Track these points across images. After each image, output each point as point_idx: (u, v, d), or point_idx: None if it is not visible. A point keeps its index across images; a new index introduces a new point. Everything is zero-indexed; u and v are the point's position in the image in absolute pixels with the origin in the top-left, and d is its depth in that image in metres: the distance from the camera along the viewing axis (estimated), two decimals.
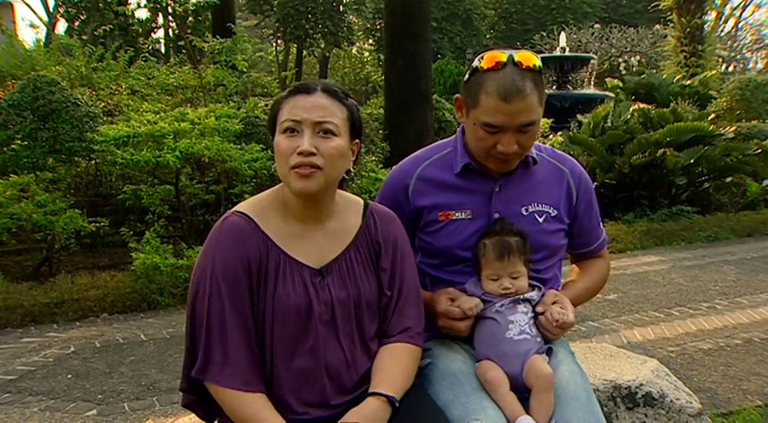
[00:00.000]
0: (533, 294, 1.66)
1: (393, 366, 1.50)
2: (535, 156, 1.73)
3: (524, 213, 1.73)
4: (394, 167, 1.87)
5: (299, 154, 1.40)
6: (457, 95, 1.71)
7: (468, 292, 1.68)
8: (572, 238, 1.89)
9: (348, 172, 1.52)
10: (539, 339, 1.62)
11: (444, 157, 1.78)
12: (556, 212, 1.76)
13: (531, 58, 1.56)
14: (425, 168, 1.77)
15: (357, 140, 1.53)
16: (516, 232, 1.67)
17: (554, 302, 1.64)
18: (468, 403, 1.49)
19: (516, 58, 1.55)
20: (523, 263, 1.66)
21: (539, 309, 1.64)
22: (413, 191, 1.76)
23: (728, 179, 8.58)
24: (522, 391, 1.54)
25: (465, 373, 1.59)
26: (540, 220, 1.74)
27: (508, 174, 1.72)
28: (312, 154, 1.40)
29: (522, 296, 1.64)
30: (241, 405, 1.38)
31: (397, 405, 1.43)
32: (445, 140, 1.86)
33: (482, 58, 1.59)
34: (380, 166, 6.94)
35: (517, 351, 1.58)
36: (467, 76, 1.63)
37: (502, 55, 1.56)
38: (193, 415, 1.58)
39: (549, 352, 1.63)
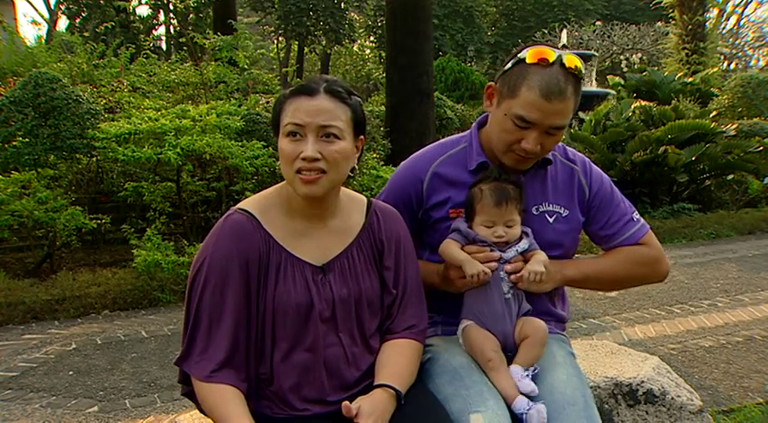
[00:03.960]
0: (524, 243, 1.64)
1: (399, 361, 1.50)
2: (549, 156, 1.71)
3: (534, 213, 1.71)
4: (405, 163, 1.82)
5: (303, 159, 1.39)
6: (490, 83, 1.67)
7: (461, 231, 1.64)
8: (596, 234, 1.81)
9: (353, 170, 1.50)
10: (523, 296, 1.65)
11: (458, 154, 1.76)
12: (567, 213, 1.74)
13: (577, 64, 1.55)
14: (439, 165, 1.74)
15: (362, 137, 1.52)
16: (512, 181, 1.65)
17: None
18: (468, 396, 1.49)
19: (564, 60, 1.54)
20: (518, 212, 1.65)
21: (509, 268, 1.60)
22: (427, 187, 1.73)
23: (730, 176, 8.58)
24: (511, 351, 1.59)
25: (466, 368, 1.59)
26: (551, 220, 1.72)
27: (521, 173, 1.70)
28: (316, 159, 1.39)
29: (515, 248, 1.62)
30: (207, 396, 1.39)
31: (403, 401, 1.43)
32: (456, 136, 1.82)
33: (529, 50, 1.57)
34: (381, 163, 6.95)
35: (507, 308, 1.61)
36: (509, 65, 1.60)
37: (551, 52, 1.54)
38: (195, 411, 1.59)
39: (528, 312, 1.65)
